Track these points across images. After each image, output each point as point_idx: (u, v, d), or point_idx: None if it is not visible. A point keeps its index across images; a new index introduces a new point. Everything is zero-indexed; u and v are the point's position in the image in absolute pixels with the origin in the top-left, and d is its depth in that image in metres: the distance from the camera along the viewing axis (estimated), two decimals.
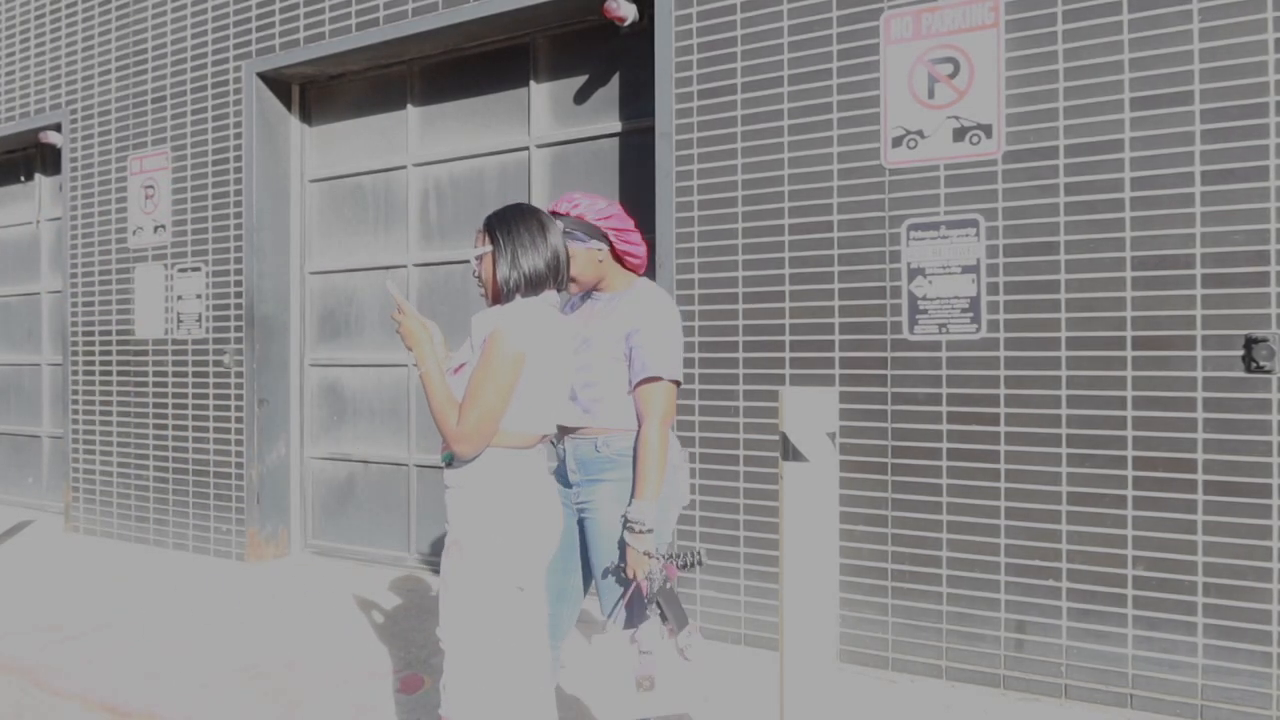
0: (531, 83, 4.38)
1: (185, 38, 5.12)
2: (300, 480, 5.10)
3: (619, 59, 4.10)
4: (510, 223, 2.01)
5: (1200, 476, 2.75)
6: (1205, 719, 2.73)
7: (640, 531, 2.04)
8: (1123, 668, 2.84)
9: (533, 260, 1.97)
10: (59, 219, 6.09)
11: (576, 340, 2.16)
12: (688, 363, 3.53)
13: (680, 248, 3.58)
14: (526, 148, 4.39)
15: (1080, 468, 2.90)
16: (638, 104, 4.04)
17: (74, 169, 5.66)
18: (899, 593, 3.17)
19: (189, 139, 5.11)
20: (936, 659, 3.11)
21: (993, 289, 3.03)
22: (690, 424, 3.55)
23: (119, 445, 5.42)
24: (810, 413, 1.78)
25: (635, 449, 2.13)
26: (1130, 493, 2.84)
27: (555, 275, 2.02)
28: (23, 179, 6.60)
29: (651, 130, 3.81)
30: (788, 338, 3.37)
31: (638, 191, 3.96)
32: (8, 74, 6.08)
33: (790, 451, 1.78)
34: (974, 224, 3.06)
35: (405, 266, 4.77)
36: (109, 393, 5.48)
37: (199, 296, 5.05)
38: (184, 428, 5.12)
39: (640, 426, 2.13)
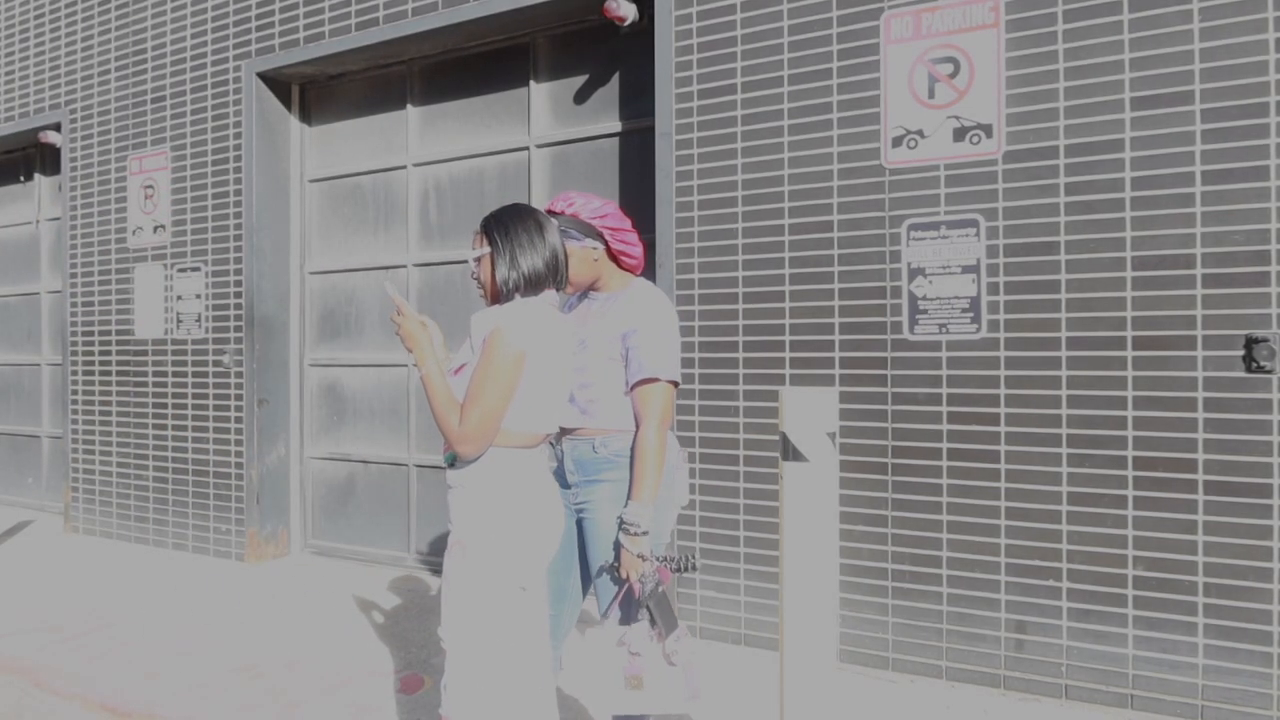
0: (531, 83, 4.38)
1: (185, 38, 5.11)
2: (300, 480, 5.10)
3: (619, 59, 4.10)
4: (508, 223, 2.00)
5: (1200, 476, 2.75)
6: (1205, 719, 2.73)
7: (635, 534, 2.04)
8: (1123, 668, 2.84)
9: (531, 260, 1.97)
10: (59, 219, 6.09)
11: (574, 341, 2.16)
12: (687, 363, 3.53)
13: (680, 248, 3.58)
14: (526, 148, 4.39)
15: (1080, 468, 2.90)
16: (638, 104, 4.04)
17: (74, 169, 5.66)
18: (899, 593, 3.17)
19: (189, 139, 5.11)
20: (936, 659, 3.11)
21: (993, 289, 3.03)
22: (690, 424, 3.55)
23: (119, 445, 5.42)
24: (810, 413, 1.78)
25: (632, 450, 2.13)
26: (1130, 493, 2.84)
27: (554, 275, 2.01)
28: (22, 179, 6.60)
29: (651, 130, 3.81)
30: (788, 338, 3.37)
31: (638, 191, 3.96)
32: (8, 74, 6.08)
33: (790, 451, 1.77)
34: (974, 224, 3.05)
35: (405, 266, 4.77)
36: (109, 393, 5.48)
37: (199, 296, 5.05)
38: (184, 428, 5.12)
39: (638, 428, 2.13)
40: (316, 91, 5.10)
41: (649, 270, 3.71)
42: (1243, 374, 2.70)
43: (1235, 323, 2.71)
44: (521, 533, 1.91)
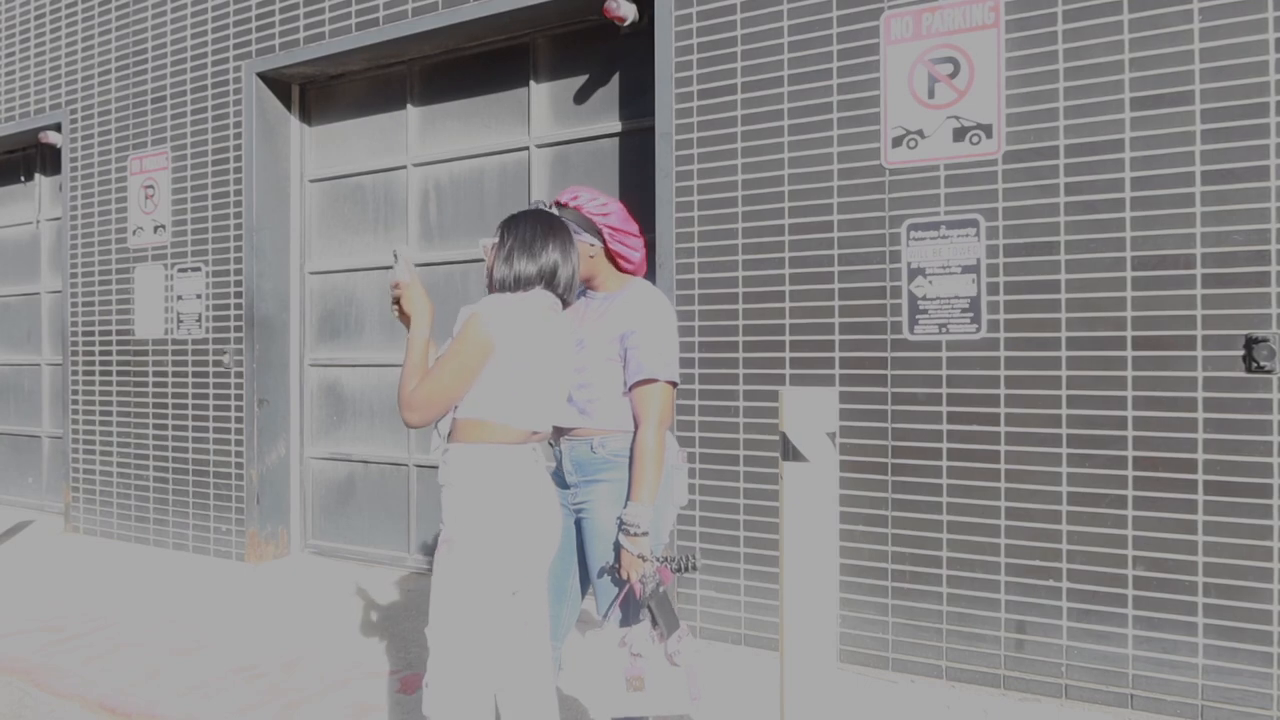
0: (531, 83, 4.38)
1: (185, 38, 5.12)
2: (300, 480, 5.10)
3: (619, 59, 4.10)
4: (516, 224, 2.03)
5: (1200, 476, 2.75)
6: (1205, 719, 2.73)
7: (635, 534, 2.04)
8: (1123, 668, 2.84)
9: (524, 265, 1.98)
10: (59, 219, 6.09)
11: (572, 340, 2.15)
12: (687, 363, 3.53)
13: (680, 248, 3.58)
14: (526, 148, 4.39)
15: (1080, 468, 2.90)
16: (638, 104, 4.04)
17: (74, 169, 5.66)
18: (899, 593, 3.17)
19: (189, 139, 5.11)
20: (936, 659, 3.11)
21: (993, 289, 3.03)
22: (690, 424, 3.55)
23: (119, 445, 5.42)
24: (810, 413, 1.78)
25: (631, 451, 2.12)
26: (1130, 493, 2.83)
27: (546, 282, 2.01)
28: (23, 179, 6.60)
29: (651, 130, 3.81)
30: (788, 338, 3.37)
31: (638, 191, 3.96)
32: (8, 74, 6.08)
33: (790, 451, 1.77)
34: (974, 224, 3.05)
35: None
36: (109, 393, 5.48)
37: (199, 296, 5.05)
38: (184, 428, 5.12)
39: (637, 429, 2.12)
40: (317, 91, 5.10)
41: (649, 270, 3.71)
42: (1243, 374, 2.70)
43: (1235, 323, 2.70)
44: (508, 532, 1.90)
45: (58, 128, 5.76)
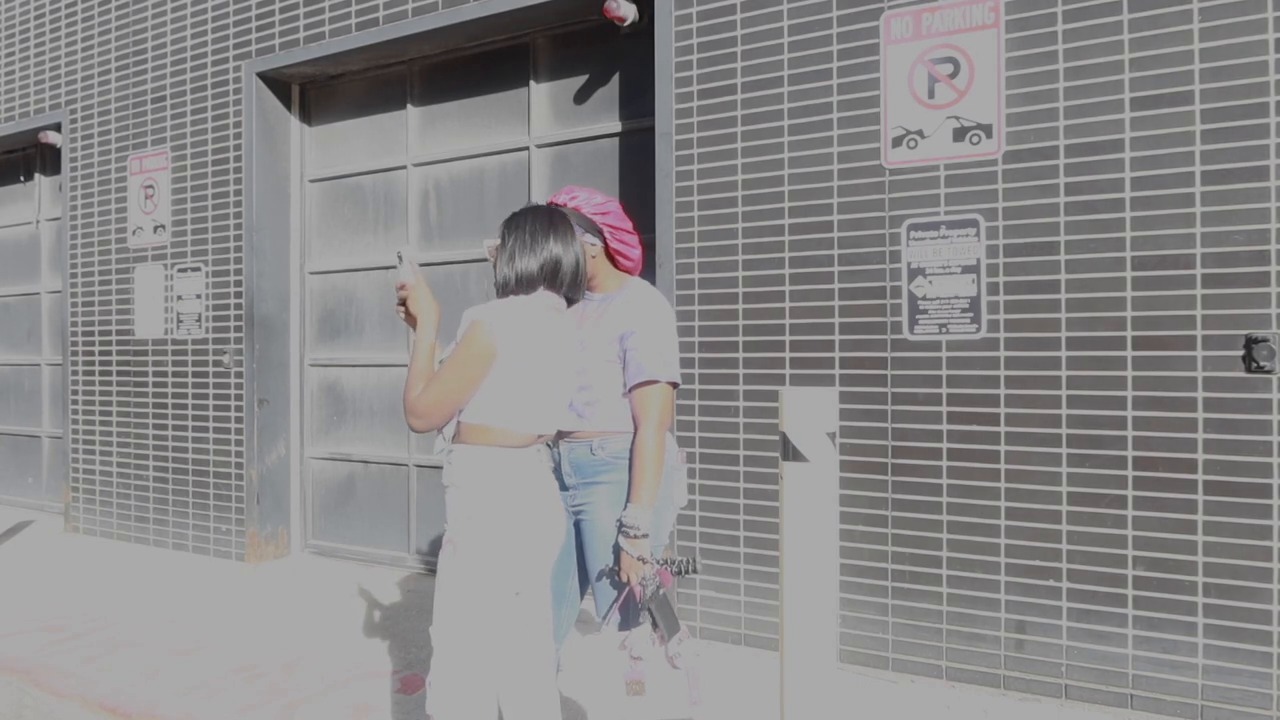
0: (531, 83, 4.38)
1: (185, 38, 5.12)
2: (300, 480, 5.10)
3: (619, 59, 4.10)
4: (517, 222, 2.03)
5: (1200, 476, 2.75)
6: (1205, 719, 2.73)
7: (635, 536, 2.04)
8: (1123, 668, 2.84)
9: (526, 262, 1.97)
10: (59, 219, 6.08)
11: (575, 343, 2.14)
12: (687, 363, 3.53)
13: (680, 248, 3.58)
14: (526, 148, 4.39)
15: (1080, 468, 2.90)
16: (638, 104, 4.04)
17: (74, 169, 5.66)
18: (899, 593, 3.17)
19: (189, 139, 5.11)
20: (936, 659, 3.11)
21: (993, 289, 3.03)
22: (690, 424, 3.55)
23: (119, 445, 5.42)
24: (810, 413, 1.78)
25: (631, 453, 2.12)
26: (1130, 493, 2.83)
27: (550, 279, 2.00)
28: (23, 179, 6.60)
29: (651, 130, 3.81)
30: (788, 338, 3.37)
31: (638, 191, 3.96)
32: (8, 74, 6.08)
33: (790, 451, 1.77)
34: (974, 224, 3.05)
35: None
36: (109, 393, 5.48)
37: (199, 296, 5.05)
38: (184, 428, 5.12)
39: (636, 430, 2.12)
40: (316, 91, 5.10)
41: (649, 270, 3.71)
42: (1242, 374, 2.70)
43: (1235, 323, 2.70)
44: (511, 533, 1.90)
45: (58, 128, 5.76)
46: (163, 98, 5.22)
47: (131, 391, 5.36)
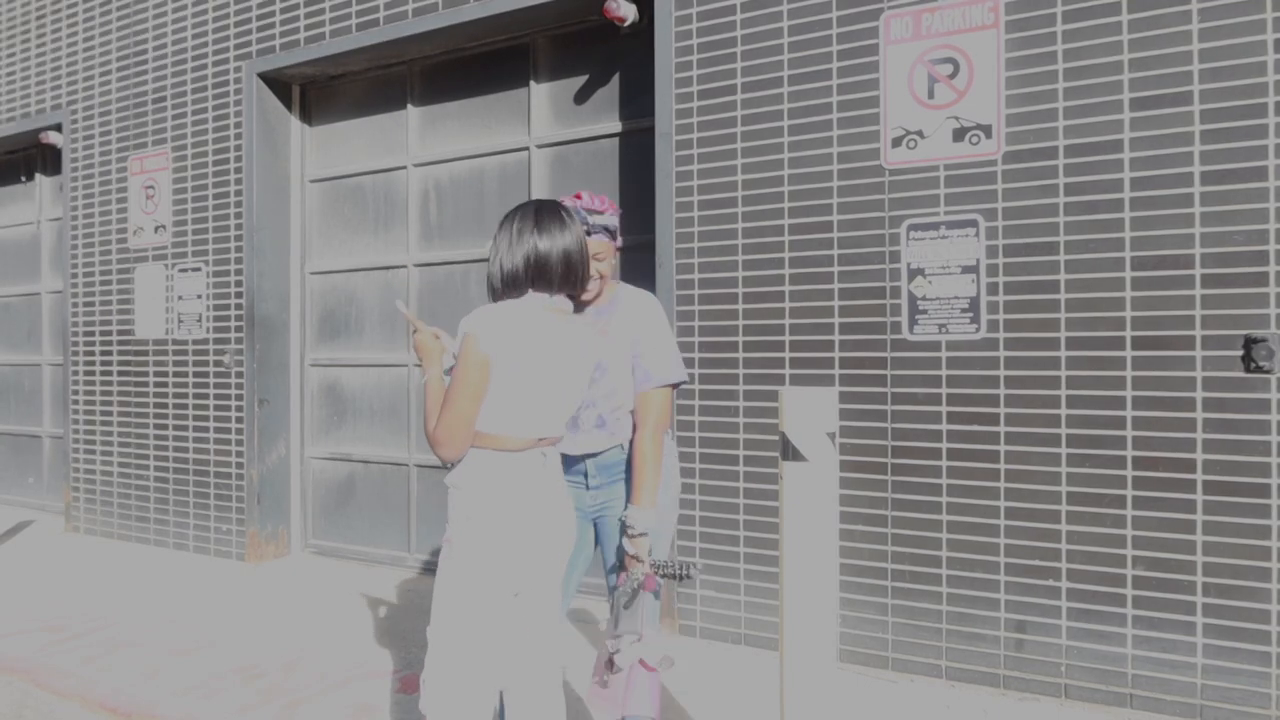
0: (531, 83, 4.38)
1: (185, 38, 5.12)
2: (300, 480, 5.10)
3: (619, 59, 4.10)
4: (507, 219, 1.98)
5: (1200, 476, 2.75)
6: (1205, 719, 2.73)
7: (634, 535, 2.05)
8: (1123, 668, 2.84)
9: (511, 259, 1.92)
10: (59, 219, 6.09)
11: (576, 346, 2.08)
12: (687, 363, 3.53)
13: (680, 248, 3.58)
14: (526, 148, 4.40)
15: (1080, 468, 2.90)
16: (638, 104, 4.04)
17: (74, 169, 5.66)
18: (899, 593, 3.17)
19: (189, 139, 5.11)
20: (936, 659, 3.11)
21: (993, 289, 3.03)
22: (690, 424, 3.55)
23: (119, 445, 5.43)
24: (810, 413, 1.78)
25: (631, 455, 2.13)
26: (1130, 493, 2.84)
27: (538, 276, 1.92)
28: (23, 179, 6.61)
29: (651, 130, 3.81)
30: (788, 338, 3.37)
31: (638, 191, 3.96)
32: (8, 74, 6.09)
33: (790, 451, 1.78)
34: (974, 224, 3.06)
35: (405, 267, 4.77)
36: (109, 393, 5.48)
37: (199, 296, 5.05)
38: (184, 428, 5.12)
39: (636, 433, 2.13)
40: (317, 91, 5.10)
41: (649, 270, 3.72)
42: (1242, 374, 2.70)
43: (1235, 323, 2.71)
44: (506, 535, 1.89)
45: (58, 128, 5.76)
46: (163, 98, 5.22)
47: (132, 391, 5.37)
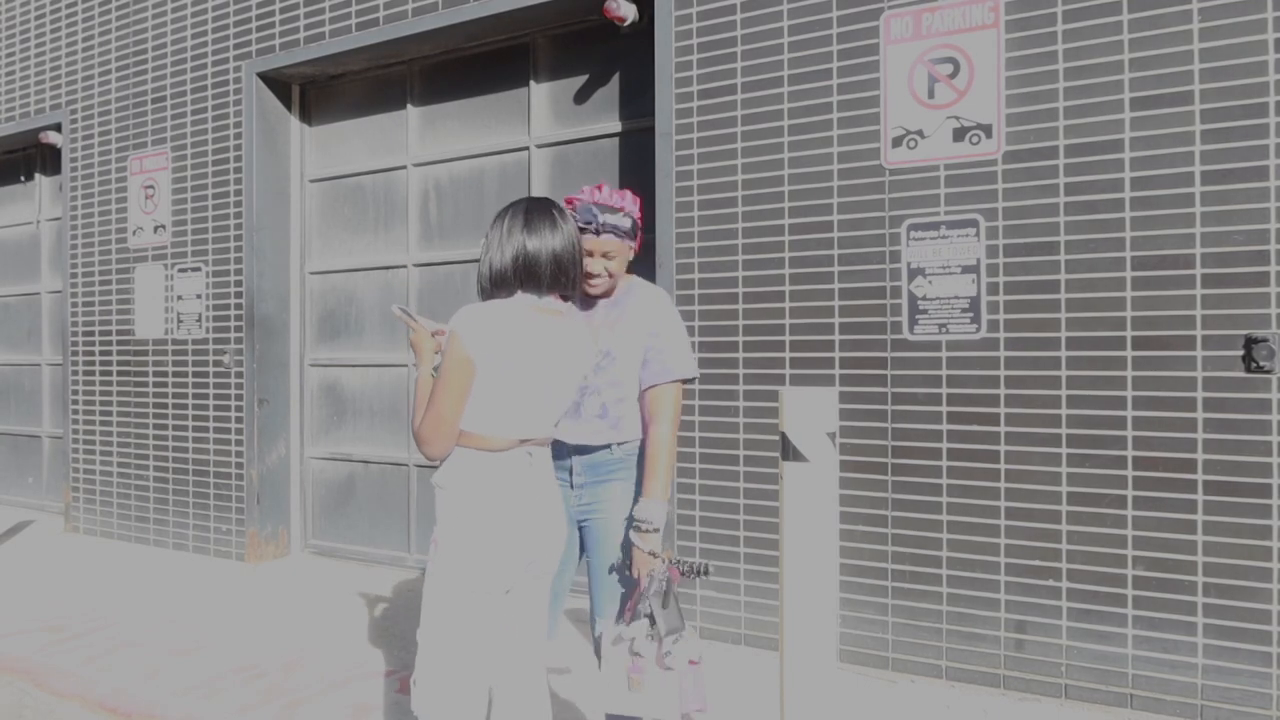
0: (531, 83, 4.38)
1: (185, 38, 5.12)
2: (300, 480, 5.10)
3: (619, 59, 4.10)
4: (498, 217, 1.95)
5: (1200, 476, 2.75)
6: (1205, 719, 2.73)
7: (647, 530, 2.04)
8: (1123, 668, 2.84)
9: (500, 257, 1.90)
10: (59, 219, 6.08)
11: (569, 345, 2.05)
12: None
13: (680, 248, 3.58)
14: (526, 148, 4.39)
15: (1080, 468, 2.90)
16: (638, 104, 4.04)
17: (74, 169, 5.66)
18: (899, 593, 3.17)
19: (189, 139, 5.11)
20: (936, 659, 3.11)
21: (993, 289, 3.03)
22: (690, 424, 3.55)
23: (119, 445, 5.42)
24: (810, 413, 1.78)
25: (645, 449, 2.12)
26: (1130, 493, 2.83)
27: (526, 275, 1.89)
28: (23, 179, 6.60)
29: (651, 130, 3.81)
30: (788, 338, 3.37)
31: (638, 191, 3.94)
32: (8, 74, 6.08)
33: (790, 451, 1.77)
34: (974, 224, 3.05)
35: (405, 267, 4.77)
36: (109, 393, 5.48)
37: (199, 296, 5.05)
38: (184, 428, 5.12)
39: (651, 426, 2.12)
40: (317, 91, 5.10)
41: (648, 270, 3.71)
42: (1242, 374, 2.70)
43: (1235, 323, 2.70)
44: (490, 535, 1.87)
45: (58, 128, 5.76)
46: (163, 98, 5.22)
47: (132, 391, 5.36)
